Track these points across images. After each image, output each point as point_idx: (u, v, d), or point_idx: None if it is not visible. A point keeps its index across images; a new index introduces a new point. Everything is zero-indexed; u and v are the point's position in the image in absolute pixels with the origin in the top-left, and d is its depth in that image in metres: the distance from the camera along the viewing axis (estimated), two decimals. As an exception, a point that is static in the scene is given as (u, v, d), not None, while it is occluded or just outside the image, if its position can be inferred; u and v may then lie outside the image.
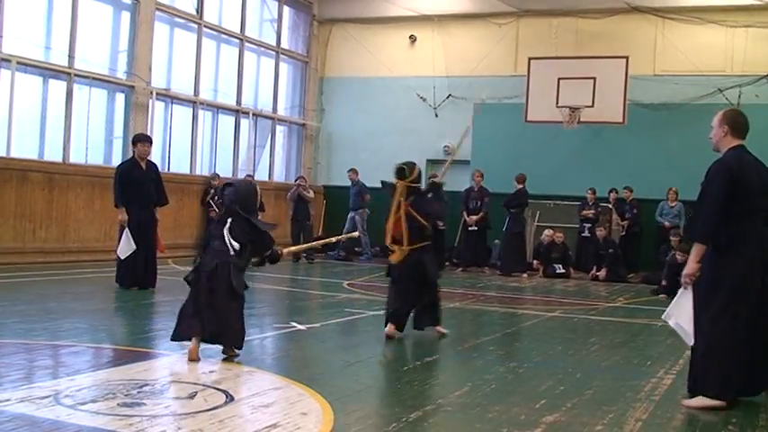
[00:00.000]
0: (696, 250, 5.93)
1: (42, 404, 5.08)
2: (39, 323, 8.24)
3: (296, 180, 19.49)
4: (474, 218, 17.94)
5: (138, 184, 11.54)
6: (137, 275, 11.47)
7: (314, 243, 9.18)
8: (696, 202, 6.13)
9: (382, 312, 10.05)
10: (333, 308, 10.66)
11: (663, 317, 6.34)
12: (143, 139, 11.95)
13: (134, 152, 11.83)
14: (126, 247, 11.33)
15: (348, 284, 13.60)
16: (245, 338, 6.93)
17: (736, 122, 6.10)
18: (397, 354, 7.92)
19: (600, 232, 17.19)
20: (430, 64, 21.21)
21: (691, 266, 5.94)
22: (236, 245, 6.71)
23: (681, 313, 6.09)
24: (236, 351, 6.83)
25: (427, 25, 21.32)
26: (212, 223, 7.13)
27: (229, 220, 6.81)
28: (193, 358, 6.53)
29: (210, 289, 6.63)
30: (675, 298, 6.19)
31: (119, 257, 11.47)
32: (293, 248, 7.95)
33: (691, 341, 6.06)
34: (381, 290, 12.94)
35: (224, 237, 6.72)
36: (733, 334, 5.87)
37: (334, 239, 10.12)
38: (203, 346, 6.68)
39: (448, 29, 21.18)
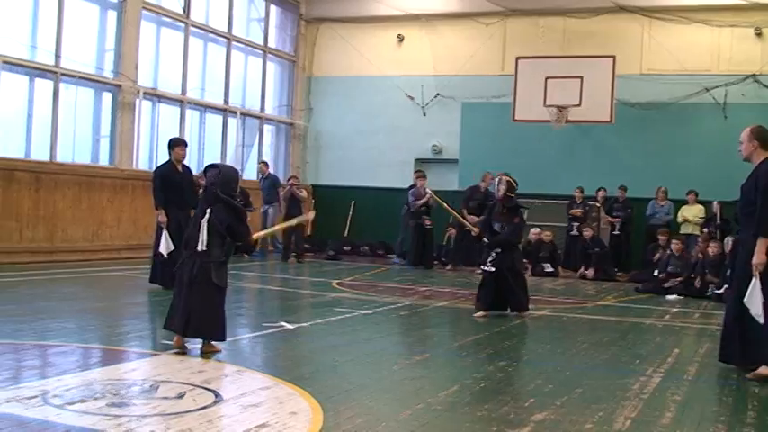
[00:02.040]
0: (763, 243, 6.99)
1: (30, 404, 5.06)
2: (26, 323, 8.20)
3: (288, 180, 19.34)
4: (475, 219, 17.65)
5: (176, 187, 11.61)
6: (164, 274, 11.50)
7: (274, 228, 9.19)
8: (743, 203, 7.32)
9: (371, 312, 10.07)
10: (322, 307, 10.64)
11: (744, 301, 7.03)
12: (180, 143, 12.03)
13: (170, 155, 11.88)
14: (165, 246, 11.39)
15: (337, 284, 13.58)
16: (230, 336, 6.96)
17: (763, 137, 7.32)
18: (387, 353, 7.91)
19: (586, 232, 17.17)
20: (418, 63, 21.21)
21: (760, 257, 6.98)
22: (205, 240, 6.88)
23: (752, 299, 7.01)
24: (217, 346, 6.98)
25: (415, 25, 21.33)
26: (195, 215, 7.21)
27: (209, 210, 6.94)
28: (176, 345, 6.96)
29: (192, 287, 6.92)
30: (750, 286, 7.00)
31: (160, 255, 11.45)
32: (261, 233, 7.93)
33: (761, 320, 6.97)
34: (370, 289, 12.97)
35: (200, 232, 6.93)
36: None
37: (293, 222, 9.94)
38: (191, 346, 6.70)
39: (436, 28, 21.18)
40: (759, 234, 7.08)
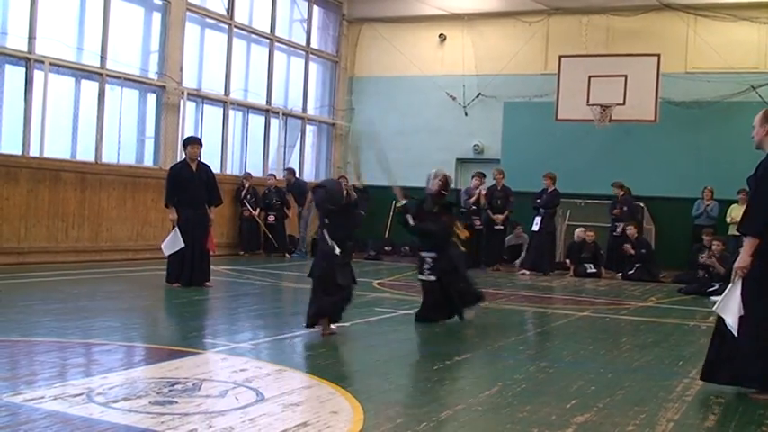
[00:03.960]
0: (750, 243, 5.96)
1: (75, 402, 5.13)
2: (71, 322, 8.33)
3: (337, 179, 19.27)
4: (500, 216, 17.84)
5: (186, 185, 11.73)
6: (183, 272, 11.71)
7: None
8: (749, 197, 6.30)
9: (412, 312, 10.05)
10: (362, 307, 10.64)
11: (714, 308, 6.30)
12: (192, 142, 12.17)
13: (185, 154, 12.03)
14: (171, 243, 11.59)
15: (378, 284, 13.60)
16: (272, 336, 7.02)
17: None
18: (428, 353, 7.91)
19: (630, 232, 16.90)
20: (459, 63, 21.17)
21: (744, 259, 5.98)
22: (336, 245, 8.06)
23: (728, 306, 6.08)
24: (333, 328, 8.18)
25: (457, 24, 21.28)
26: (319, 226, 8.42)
27: (326, 221, 8.08)
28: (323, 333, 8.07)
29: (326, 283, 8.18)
30: (726, 291, 6.16)
31: (172, 255, 11.67)
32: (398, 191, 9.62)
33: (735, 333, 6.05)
34: (410, 289, 12.95)
35: (326, 239, 8.11)
36: None
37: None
38: (233, 345, 6.77)
39: (477, 27, 21.12)
40: (745, 232, 6.12)
